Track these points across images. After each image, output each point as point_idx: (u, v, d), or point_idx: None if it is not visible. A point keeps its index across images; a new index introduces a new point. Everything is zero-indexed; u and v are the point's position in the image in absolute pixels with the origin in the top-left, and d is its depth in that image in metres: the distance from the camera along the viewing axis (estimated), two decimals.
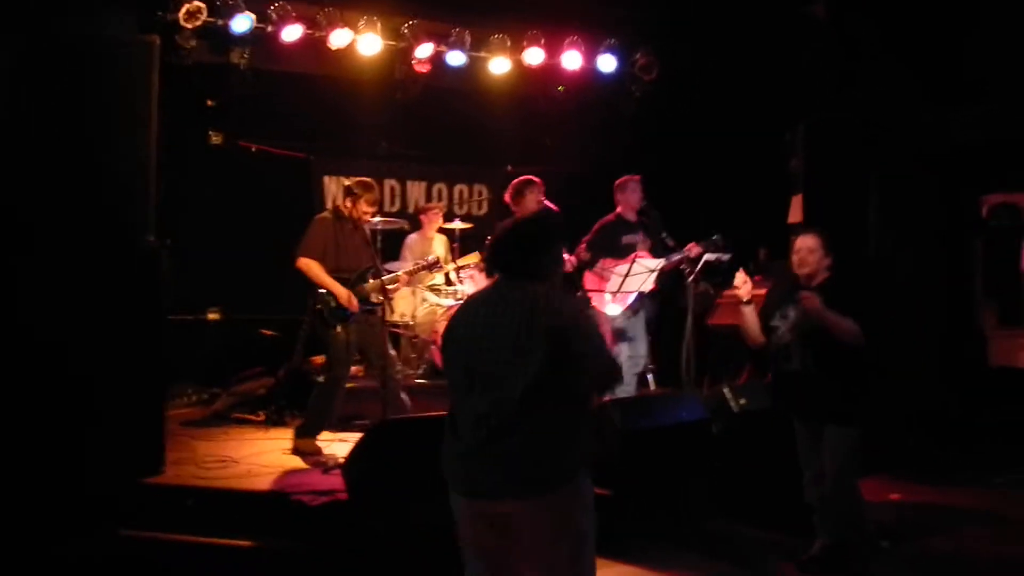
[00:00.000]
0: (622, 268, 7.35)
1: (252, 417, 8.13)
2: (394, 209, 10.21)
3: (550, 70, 9.92)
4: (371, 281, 6.87)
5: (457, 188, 10.72)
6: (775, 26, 9.18)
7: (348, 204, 6.90)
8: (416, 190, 10.44)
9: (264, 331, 8.90)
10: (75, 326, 6.10)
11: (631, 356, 7.64)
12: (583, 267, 7.86)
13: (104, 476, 6.07)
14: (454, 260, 8.81)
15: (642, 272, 7.31)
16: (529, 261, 3.68)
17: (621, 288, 7.37)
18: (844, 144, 8.39)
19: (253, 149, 9.53)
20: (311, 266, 6.79)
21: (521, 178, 7.65)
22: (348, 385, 7.88)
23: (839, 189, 8.31)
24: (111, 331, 6.16)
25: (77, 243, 6.13)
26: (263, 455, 6.85)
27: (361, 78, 9.38)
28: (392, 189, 10.38)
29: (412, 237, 9.29)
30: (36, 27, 6.28)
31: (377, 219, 8.71)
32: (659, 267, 7.39)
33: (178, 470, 6.38)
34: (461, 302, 4.84)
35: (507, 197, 7.63)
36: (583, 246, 7.84)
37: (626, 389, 7.51)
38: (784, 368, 5.52)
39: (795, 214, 8.51)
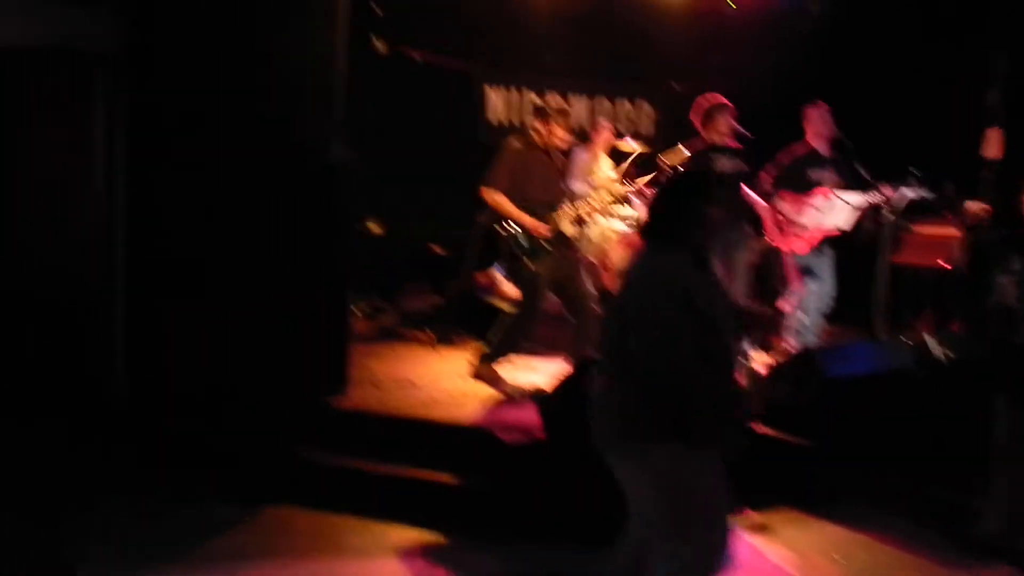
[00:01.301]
0: (821, 201, 6.96)
1: (421, 335, 8.03)
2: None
3: None
4: (564, 211, 6.57)
5: (620, 103, 10.32)
6: None
7: (541, 128, 6.57)
8: (578, 105, 10.06)
9: (433, 247, 8.74)
10: (256, 237, 6.01)
11: (817, 294, 7.28)
12: (766, 200, 7.47)
13: (287, 392, 6.03)
14: (622, 181, 8.49)
15: (842, 208, 6.91)
16: (662, 224, 3.78)
17: (819, 223, 6.99)
18: None
19: (417, 58, 9.26)
20: (497, 198, 6.48)
21: (711, 100, 7.24)
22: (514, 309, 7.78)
23: None
24: (296, 244, 6.04)
25: (257, 148, 5.94)
26: (442, 379, 6.76)
27: None
28: (556, 103, 10.02)
29: (580, 155, 8.99)
30: None
31: None
32: (861, 204, 6.97)
33: (359, 392, 6.31)
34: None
35: (695, 119, 7.24)
36: (767, 178, 7.44)
37: (812, 328, 7.21)
38: (1007, 338, 4.92)
39: (991, 149, 7.97)
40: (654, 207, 3.91)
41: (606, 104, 10.24)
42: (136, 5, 6.07)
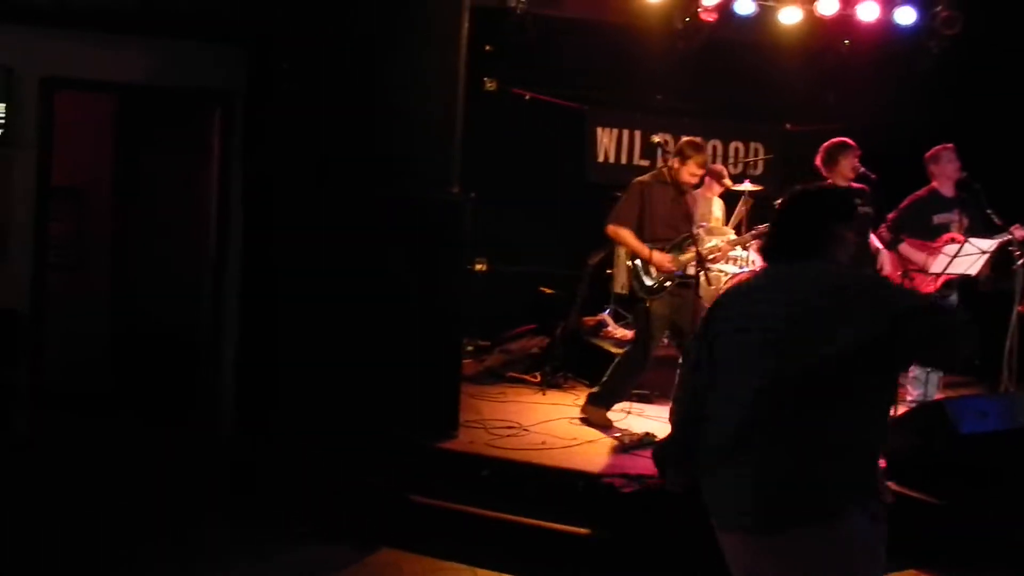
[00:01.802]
0: (951, 248, 6.67)
1: (528, 377, 7.91)
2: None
3: (840, 22, 9.20)
4: (688, 251, 6.39)
5: (732, 145, 10.14)
6: None
7: (675, 166, 6.42)
8: None
9: (544, 289, 8.62)
10: (370, 276, 5.97)
11: None
12: (887, 247, 7.21)
13: (397, 432, 5.96)
14: (730, 225, 8.30)
15: (973, 253, 6.61)
16: (800, 239, 3.17)
17: (946, 269, 6.70)
18: None
19: (527, 97, 9.20)
20: (622, 234, 6.40)
21: (834, 140, 7.00)
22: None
23: None
24: (412, 283, 6.01)
25: (374, 186, 5.94)
26: (551, 423, 6.60)
27: (640, 27, 8.95)
28: (666, 144, 9.85)
29: (695, 196, 8.81)
30: None
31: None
32: (992, 248, 6.66)
33: (468, 434, 6.19)
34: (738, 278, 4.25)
35: (818, 161, 7.01)
36: (887, 224, 7.18)
37: (933, 378, 6.92)
38: None
39: None
40: (786, 223, 3.31)
41: (718, 145, 10.05)
42: (259, 45, 6.11)
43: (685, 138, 6.57)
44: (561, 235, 8.99)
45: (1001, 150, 8.58)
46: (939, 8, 9.25)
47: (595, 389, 6.61)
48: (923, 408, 6.15)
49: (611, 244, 8.31)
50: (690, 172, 6.37)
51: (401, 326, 5.96)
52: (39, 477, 6.27)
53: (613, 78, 9.50)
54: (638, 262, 6.37)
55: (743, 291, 3.29)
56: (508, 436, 6.21)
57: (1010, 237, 6.70)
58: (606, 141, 9.66)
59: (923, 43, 9.39)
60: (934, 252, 6.80)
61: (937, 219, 7.03)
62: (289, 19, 6.09)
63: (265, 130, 6.13)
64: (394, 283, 5.97)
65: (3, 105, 6.80)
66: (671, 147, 6.60)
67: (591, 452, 5.98)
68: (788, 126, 9.89)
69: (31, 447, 6.71)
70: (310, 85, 6.02)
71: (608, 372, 6.53)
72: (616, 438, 6.22)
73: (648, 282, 6.33)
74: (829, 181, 6.88)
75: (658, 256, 6.29)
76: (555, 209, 9.06)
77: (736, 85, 9.61)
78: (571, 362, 7.95)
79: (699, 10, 8.78)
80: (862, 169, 6.92)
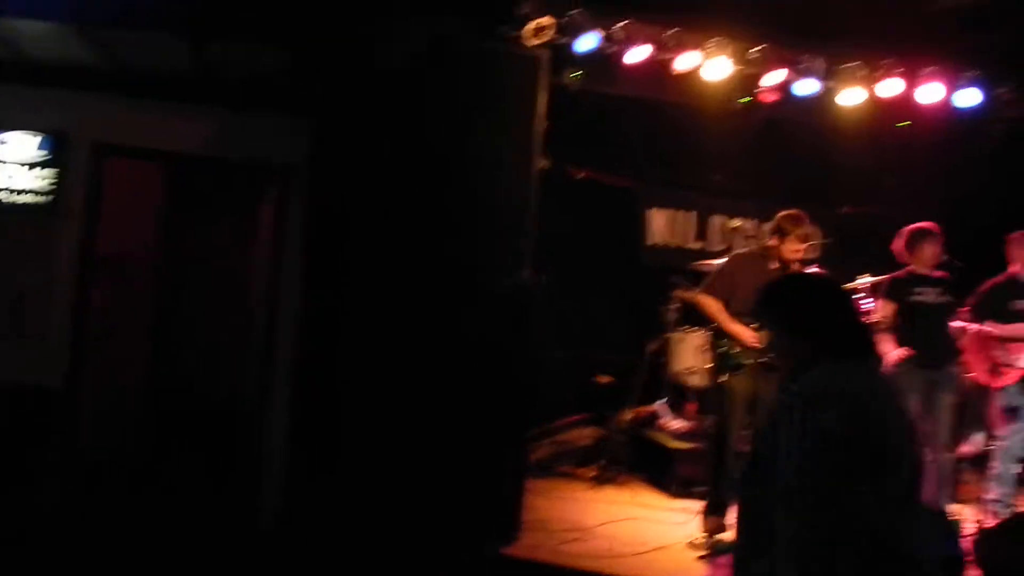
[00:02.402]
0: None
1: (581, 472, 7.51)
2: (723, 247, 9.44)
3: (900, 104, 8.97)
4: None
5: None
6: None
7: (775, 243, 6.09)
8: (746, 227, 9.60)
9: (600, 378, 8.26)
10: (432, 360, 5.63)
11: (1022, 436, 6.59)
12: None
13: (454, 533, 5.57)
14: None
15: None
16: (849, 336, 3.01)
17: None
18: None
19: (580, 176, 8.93)
20: (709, 304, 6.07)
21: (917, 226, 6.74)
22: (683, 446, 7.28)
23: None
24: (478, 371, 5.65)
25: (450, 270, 5.67)
26: (614, 525, 6.24)
27: (695, 106, 8.70)
28: (720, 226, 9.59)
29: None
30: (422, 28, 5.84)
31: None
32: None
33: (531, 538, 5.79)
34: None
35: (900, 246, 6.72)
36: (965, 311, 6.85)
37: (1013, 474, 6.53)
38: None
39: None
40: (832, 317, 3.04)
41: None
42: (324, 116, 5.86)
43: (782, 212, 6.19)
44: (612, 319, 8.66)
45: None
46: (1003, 90, 9.04)
47: (704, 504, 6.13)
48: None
49: (667, 330, 8.03)
50: (792, 249, 5.99)
51: (465, 416, 5.60)
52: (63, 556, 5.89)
53: (666, 158, 9.24)
54: (722, 336, 6.04)
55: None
56: (573, 540, 5.81)
57: None
58: (659, 221, 9.35)
59: (986, 124, 9.19)
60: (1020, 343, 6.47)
61: (1018, 305, 6.71)
62: (355, 92, 5.84)
63: (330, 205, 5.82)
64: (458, 370, 5.63)
65: (54, 171, 6.55)
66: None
67: (663, 559, 5.62)
68: (846, 209, 9.59)
69: (60, 522, 6.33)
70: (368, 157, 5.75)
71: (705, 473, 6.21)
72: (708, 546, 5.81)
73: (731, 358, 5.98)
74: (910, 268, 6.59)
75: (741, 332, 5.91)
76: (607, 292, 8.74)
77: (793, 166, 9.34)
78: (626, 456, 7.56)
79: (758, 90, 8.59)
80: (946, 256, 6.62)
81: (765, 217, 9.52)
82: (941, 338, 6.55)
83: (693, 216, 9.48)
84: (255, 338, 6.98)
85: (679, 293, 8.10)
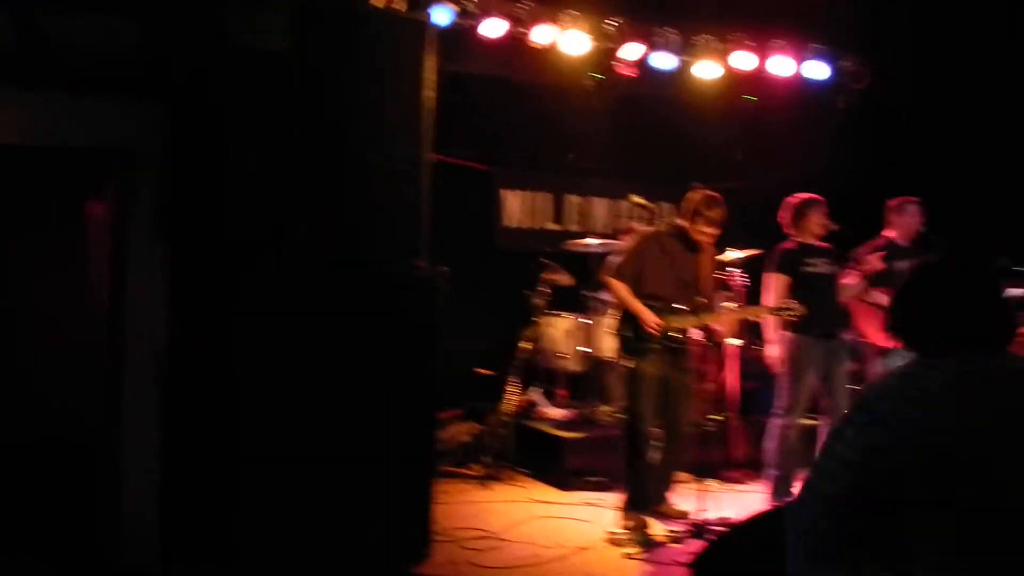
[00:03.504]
0: None
1: (465, 471, 7.01)
2: (577, 229, 9.13)
3: (757, 79, 8.93)
4: (689, 314, 5.81)
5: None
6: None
7: (686, 223, 5.85)
8: (600, 207, 9.37)
9: (479, 370, 7.76)
10: (319, 364, 4.92)
11: None
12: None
13: (359, 555, 4.95)
14: None
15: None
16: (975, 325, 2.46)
17: None
18: None
19: (433, 159, 8.40)
20: (618, 288, 5.81)
21: (802, 196, 6.52)
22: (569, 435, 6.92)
23: None
24: (374, 373, 5.00)
25: (334, 263, 5.01)
26: (523, 526, 5.80)
27: (550, 84, 8.43)
28: (577, 206, 9.29)
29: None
30: None
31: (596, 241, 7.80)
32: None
33: (443, 552, 5.21)
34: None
35: (784, 218, 6.52)
36: (855, 274, 6.74)
37: None
38: None
39: None
40: (934, 307, 2.51)
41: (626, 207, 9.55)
42: (182, 98, 5.09)
43: (697, 193, 5.93)
44: (475, 307, 8.18)
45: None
46: (847, 63, 9.10)
47: (624, 496, 5.81)
48: None
49: (536, 315, 7.65)
50: (702, 230, 5.81)
51: (363, 422, 4.96)
52: None
53: (521, 139, 8.94)
54: (628, 317, 5.80)
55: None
56: (491, 550, 5.33)
57: None
58: (515, 204, 8.95)
59: (830, 98, 9.25)
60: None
61: (899, 267, 6.62)
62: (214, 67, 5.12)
63: (196, 196, 5.06)
64: (351, 372, 4.99)
65: None
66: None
67: (594, 561, 5.22)
68: (696, 185, 9.43)
69: None
70: (248, 138, 5.05)
71: (624, 468, 5.84)
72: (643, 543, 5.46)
73: (633, 340, 5.77)
74: (797, 239, 6.40)
75: (645, 315, 5.70)
76: (466, 279, 8.25)
77: (649, 144, 9.15)
78: (508, 450, 7.11)
79: (615, 64, 8.35)
80: (832, 225, 6.46)
81: (617, 195, 9.35)
82: (834, 307, 6.42)
83: (549, 197, 9.13)
84: (97, 350, 6.09)
85: (547, 276, 7.73)
